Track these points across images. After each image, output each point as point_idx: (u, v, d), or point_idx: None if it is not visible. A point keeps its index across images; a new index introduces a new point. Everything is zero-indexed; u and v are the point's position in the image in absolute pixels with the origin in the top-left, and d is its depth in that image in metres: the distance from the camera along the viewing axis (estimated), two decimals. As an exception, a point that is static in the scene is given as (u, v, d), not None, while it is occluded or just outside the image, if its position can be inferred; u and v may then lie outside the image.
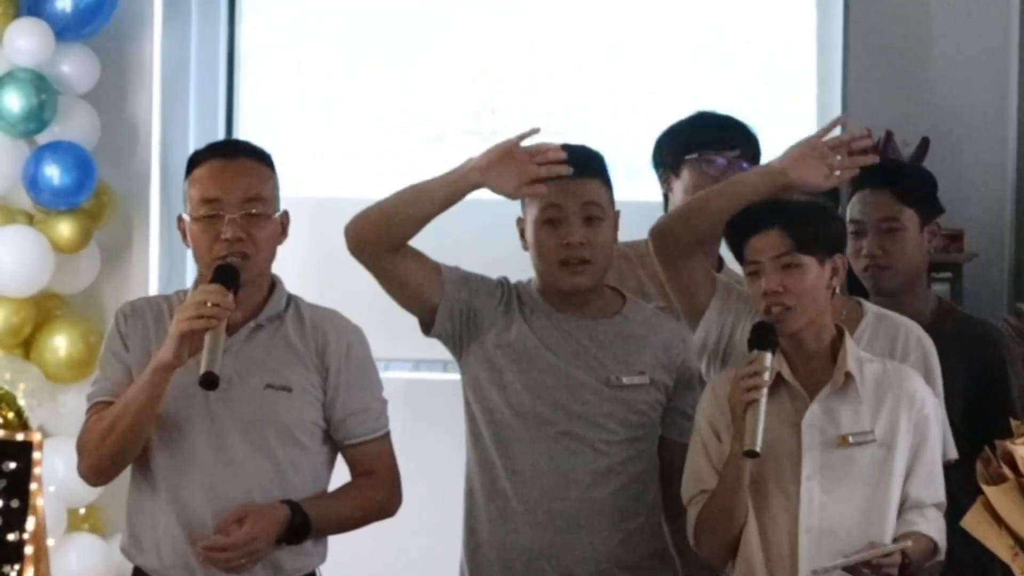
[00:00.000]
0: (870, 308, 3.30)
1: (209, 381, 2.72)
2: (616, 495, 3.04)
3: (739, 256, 2.98)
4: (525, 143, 3.08)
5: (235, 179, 2.90)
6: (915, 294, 3.50)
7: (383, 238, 3.05)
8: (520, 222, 3.07)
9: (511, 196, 3.05)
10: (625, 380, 3.07)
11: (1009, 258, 4.92)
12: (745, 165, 3.47)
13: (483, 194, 4.36)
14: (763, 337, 2.87)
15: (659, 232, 3.19)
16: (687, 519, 2.95)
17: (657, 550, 3.07)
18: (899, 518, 2.86)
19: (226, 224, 2.84)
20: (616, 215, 3.09)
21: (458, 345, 3.09)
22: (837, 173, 3.12)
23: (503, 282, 3.11)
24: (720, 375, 3.06)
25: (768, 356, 2.83)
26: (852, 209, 3.50)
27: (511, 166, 3.02)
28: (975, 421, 3.15)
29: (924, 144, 4.82)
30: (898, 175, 3.58)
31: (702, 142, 3.51)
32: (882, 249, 3.41)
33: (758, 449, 2.77)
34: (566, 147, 3.09)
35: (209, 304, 2.74)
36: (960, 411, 3.23)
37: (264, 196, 2.90)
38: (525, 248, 3.08)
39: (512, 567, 3.03)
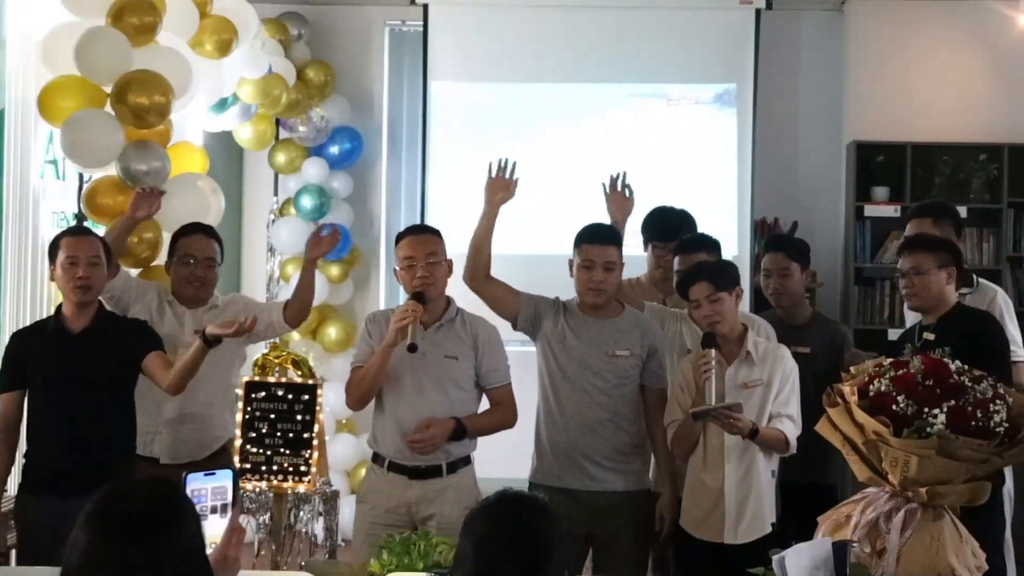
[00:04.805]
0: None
1: (413, 348, 3.31)
2: (614, 415, 3.64)
3: (685, 297, 3.56)
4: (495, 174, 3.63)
5: (422, 245, 3.49)
6: (801, 307, 4.19)
7: (474, 264, 3.63)
8: (571, 262, 3.66)
9: (506, 200, 3.62)
10: (618, 352, 3.62)
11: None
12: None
13: (539, 250, 5.10)
14: (710, 340, 3.42)
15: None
16: (667, 435, 3.53)
17: (637, 445, 3.70)
18: (768, 423, 3.45)
19: (418, 270, 3.44)
20: (622, 263, 3.65)
21: (532, 334, 3.71)
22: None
23: (556, 299, 3.74)
24: (685, 359, 3.64)
25: (713, 351, 3.37)
26: (766, 261, 4.23)
27: (498, 191, 3.63)
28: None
29: (794, 225, 6.04)
30: (787, 243, 4.34)
31: (655, 235, 4.19)
32: (781, 284, 4.14)
33: (714, 404, 3.30)
34: (597, 226, 3.70)
35: (409, 311, 3.33)
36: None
37: (437, 252, 3.49)
38: (571, 275, 3.68)
39: (558, 454, 3.64)
